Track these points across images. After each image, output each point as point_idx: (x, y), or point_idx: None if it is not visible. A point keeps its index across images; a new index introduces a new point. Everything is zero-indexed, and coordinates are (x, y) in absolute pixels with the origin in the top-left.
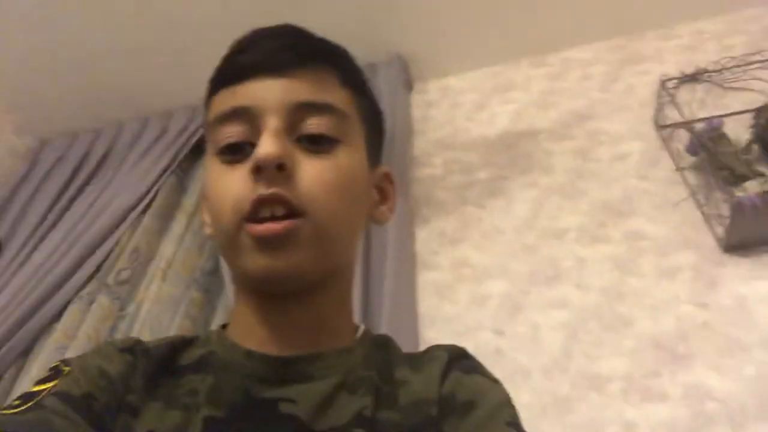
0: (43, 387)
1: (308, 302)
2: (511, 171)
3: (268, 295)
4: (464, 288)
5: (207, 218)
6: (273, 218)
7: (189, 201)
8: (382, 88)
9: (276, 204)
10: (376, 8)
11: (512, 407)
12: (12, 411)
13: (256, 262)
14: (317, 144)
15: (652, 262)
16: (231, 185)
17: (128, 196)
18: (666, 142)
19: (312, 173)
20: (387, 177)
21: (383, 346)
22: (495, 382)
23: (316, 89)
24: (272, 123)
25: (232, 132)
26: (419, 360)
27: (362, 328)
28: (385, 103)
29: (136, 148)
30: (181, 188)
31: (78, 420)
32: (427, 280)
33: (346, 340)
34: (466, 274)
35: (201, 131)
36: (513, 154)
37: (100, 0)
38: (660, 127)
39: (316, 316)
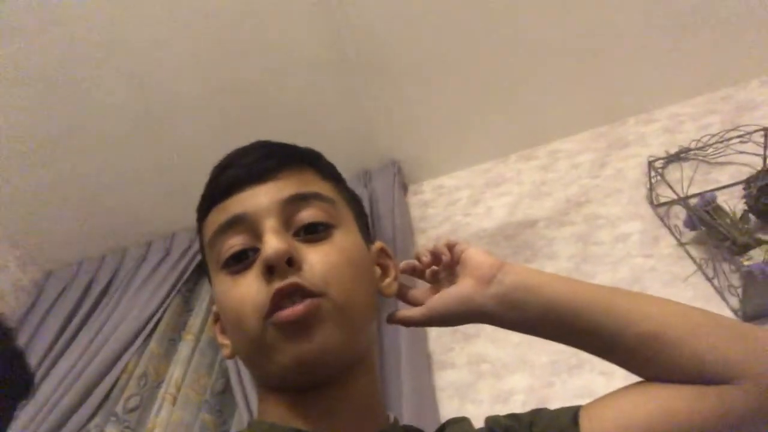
0: None
1: (343, 391)
2: (514, 260)
3: (303, 390)
4: (485, 385)
5: (222, 339)
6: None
7: (195, 321)
8: (379, 193)
9: (294, 293)
10: (368, 118)
11: None
12: None
13: (286, 352)
14: (315, 233)
15: None
16: (245, 291)
17: (133, 321)
18: (664, 219)
19: (318, 259)
20: (384, 251)
21: None
22: None
23: (301, 184)
24: (270, 223)
25: (233, 242)
26: None
27: (392, 415)
28: (383, 206)
29: (140, 272)
30: (186, 309)
31: None
32: (445, 380)
33: (384, 425)
34: (485, 371)
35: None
36: (514, 245)
37: (97, 135)
38: (655, 205)
39: (353, 405)
